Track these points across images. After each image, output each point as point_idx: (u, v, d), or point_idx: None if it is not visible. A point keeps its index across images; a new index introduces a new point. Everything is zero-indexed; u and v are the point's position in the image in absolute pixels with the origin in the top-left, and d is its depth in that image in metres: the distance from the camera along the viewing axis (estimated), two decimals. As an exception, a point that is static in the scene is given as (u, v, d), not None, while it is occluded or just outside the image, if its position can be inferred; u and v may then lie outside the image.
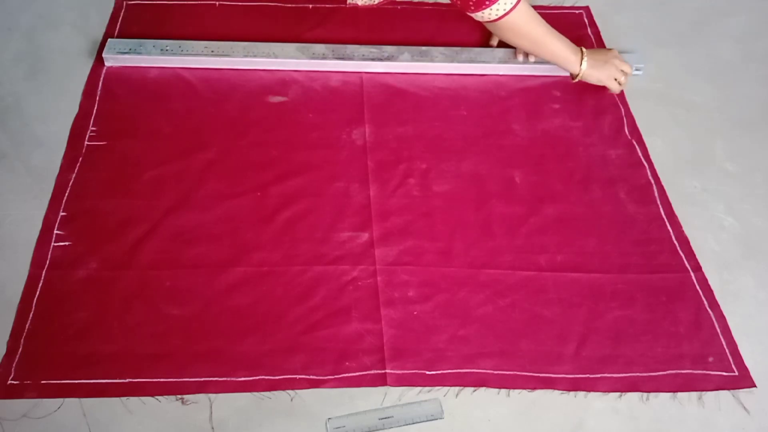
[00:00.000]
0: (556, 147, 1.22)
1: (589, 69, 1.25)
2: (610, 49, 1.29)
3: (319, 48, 1.30)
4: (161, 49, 1.27)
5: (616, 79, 1.26)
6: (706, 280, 1.05)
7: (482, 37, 1.40)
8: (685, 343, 0.98)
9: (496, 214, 1.11)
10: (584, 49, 1.25)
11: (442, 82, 1.31)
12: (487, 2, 1.11)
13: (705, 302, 1.03)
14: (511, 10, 1.13)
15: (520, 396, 0.93)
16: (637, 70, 1.34)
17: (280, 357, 0.93)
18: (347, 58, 1.29)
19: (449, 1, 1.16)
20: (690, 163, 1.22)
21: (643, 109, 1.29)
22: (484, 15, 1.14)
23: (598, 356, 0.96)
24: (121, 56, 1.26)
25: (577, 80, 1.27)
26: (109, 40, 1.28)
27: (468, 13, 1.16)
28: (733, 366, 0.96)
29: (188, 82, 1.26)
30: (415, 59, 1.30)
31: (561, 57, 1.23)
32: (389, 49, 1.31)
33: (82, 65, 1.28)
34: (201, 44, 1.28)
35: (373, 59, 1.29)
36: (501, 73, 1.31)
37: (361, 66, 1.30)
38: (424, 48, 1.32)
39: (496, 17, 1.14)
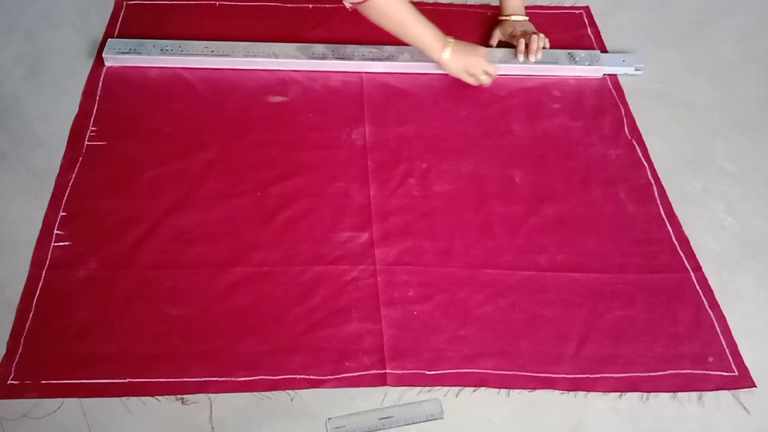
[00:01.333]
0: (556, 147, 1.22)
1: (451, 60, 1.23)
2: (479, 47, 1.26)
3: (319, 48, 1.30)
4: (161, 49, 1.27)
5: (474, 76, 1.25)
6: (706, 280, 1.05)
7: (482, 37, 1.40)
8: (685, 343, 0.98)
9: (496, 214, 1.11)
10: (452, 41, 1.22)
11: (442, 82, 1.31)
12: None
13: (705, 302, 1.03)
14: None
15: (520, 396, 0.93)
16: (637, 70, 1.34)
17: (280, 357, 0.93)
18: (347, 58, 1.29)
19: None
20: (690, 163, 1.22)
21: (643, 109, 1.29)
22: None
23: (598, 356, 0.96)
24: (121, 56, 1.26)
25: (439, 70, 1.27)
26: (109, 40, 1.28)
27: None
28: (733, 366, 0.96)
29: (188, 82, 1.26)
30: (415, 59, 1.30)
31: (424, 43, 1.21)
32: (389, 49, 1.31)
33: (82, 65, 1.28)
34: (201, 44, 1.28)
35: (373, 59, 1.29)
36: (501, 73, 1.31)
37: (361, 66, 1.30)
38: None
39: None
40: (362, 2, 1.14)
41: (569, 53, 1.33)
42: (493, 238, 1.08)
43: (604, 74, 1.34)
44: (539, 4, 1.48)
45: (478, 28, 1.42)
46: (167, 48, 1.28)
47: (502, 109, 1.27)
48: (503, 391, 0.93)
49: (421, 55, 1.28)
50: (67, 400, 0.88)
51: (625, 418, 0.91)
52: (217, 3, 1.42)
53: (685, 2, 1.54)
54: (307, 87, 1.28)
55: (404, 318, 0.98)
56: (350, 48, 1.30)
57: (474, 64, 1.24)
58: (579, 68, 1.32)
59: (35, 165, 1.12)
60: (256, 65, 1.28)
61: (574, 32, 1.44)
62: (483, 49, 1.26)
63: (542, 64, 1.31)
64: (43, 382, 0.89)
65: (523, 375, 0.94)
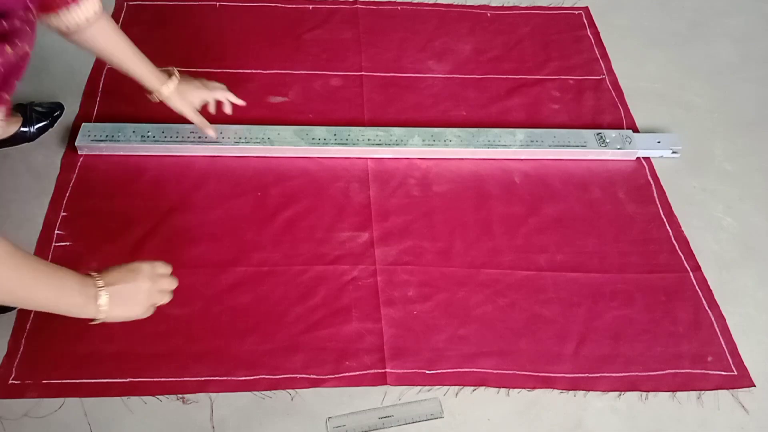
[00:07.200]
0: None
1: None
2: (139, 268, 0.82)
3: (320, 132, 1.17)
4: (141, 136, 1.14)
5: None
6: (705, 279, 1.05)
7: (481, 38, 1.41)
8: (684, 343, 0.98)
9: (496, 214, 1.12)
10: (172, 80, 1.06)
11: (442, 83, 1.31)
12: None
13: (704, 302, 1.03)
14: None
15: (519, 395, 0.93)
16: (674, 153, 1.21)
17: (281, 356, 0.94)
18: (351, 144, 1.16)
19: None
20: (689, 163, 1.22)
21: (643, 109, 1.30)
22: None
23: (597, 356, 0.96)
24: (96, 144, 1.13)
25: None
26: (83, 125, 1.16)
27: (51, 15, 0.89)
28: (732, 365, 0.97)
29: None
30: (426, 144, 1.17)
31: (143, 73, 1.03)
32: (397, 132, 1.18)
33: (82, 65, 1.28)
34: (186, 129, 1.15)
35: (379, 144, 1.17)
36: (523, 157, 1.19)
37: (367, 152, 1.18)
38: (436, 130, 1.19)
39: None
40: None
41: (598, 134, 1.20)
42: (492, 238, 1.08)
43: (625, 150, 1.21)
44: (539, 5, 1.49)
45: (478, 28, 1.43)
46: (148, 133, 1.15)
47: (501, 109, 1.27)
48: (503, 390, 0.93)
49: (433, 139, 1.17)
50: (68, 399, 0.88)
51: (625, 417, 0.92)
52: (218, 4, 1.42)
53: (684, 2, 1.54)
54: (307, 87, 1.28)
55: (404, 317, 0.99)
56: (354, 131, 1.18)
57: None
58: (610, 152, 1.19)
59: (36, 165, 1.13)
60: (248, 152, 1.16)
61: (573, 32, 1.44)
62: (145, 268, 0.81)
63: (570, 148, 1.19)
64: (44, 381, 0.90)
65: (523, 374, 0.94)
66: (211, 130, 1.12)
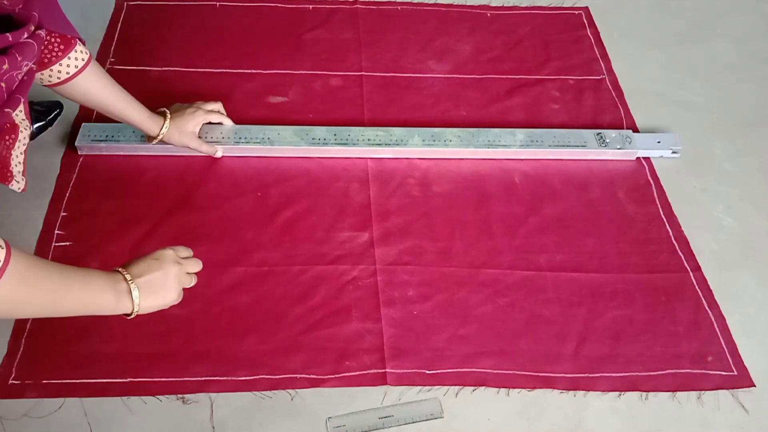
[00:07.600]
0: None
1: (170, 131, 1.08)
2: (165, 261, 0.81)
3: (320, 131, 1.17)
4: (141, 136, 1.13)
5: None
6: (705, 279, 1.05)
7: (480, 38, 1.41)
8: (684, 343, 0.98)
9: (496, 214, 1.12)
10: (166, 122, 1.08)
11: (442, 84, 1.31)
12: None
13: (704, 302, 1.03)
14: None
15: (519, 395, 0.93)
16: (674, 153, 1.21)
17: (281, 356, 0.94)
18: (351, 144, 1.16)
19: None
20: (689, 163, 1.22)
21: (643, 109, 1.30)
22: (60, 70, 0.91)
23: (597, 356, 0.96)
24: (96, 144, 1.13)
25: (155, 142, 1.09)
26: (83, 125, 1.15)
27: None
28: (732, 365, 0.97)
29: (192, 80, 1.27)
30: (426, 144, 1.17)
31: (137, 119, 1.04)
32: (397, 132, 1.18)
33: (82, 65, 1.28)
34: None
35: (379, 144, 1.17)
36: (524, 157, 1.19)
37: (367, 152, 1.18)
38: (436, 130, 1.18)
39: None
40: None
41: (598, 134, 1.20)
42: (492, 237, 1.08)
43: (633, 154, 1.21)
44: (539, 5, 1.49)
45: (478, 28, 1.43)
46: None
47: (501, 109, 1.27)
48: (503, 390, 0.93)
49: (433, 139, 1.17)
50: (68, 399, 0.88)
51: (624, 417, 0.92)
52: (218, 4, 1.42)
53: (684, 2, 1.54)
54: (307, 87, 1.28)
55: (404, 317, 0.99)
56: (354, 131, 1.18)
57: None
58: (610, 152, 1.19)
59: (36, 165, 1.13)
60: (249, 152, 1.16)
61: (573, 32, 1.44)
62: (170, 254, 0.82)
63: (570, 148, 1.18)
64: (44, 381, 0.90)
65: (523, 374, 0.94)
66: (220, 152, 1.15)
